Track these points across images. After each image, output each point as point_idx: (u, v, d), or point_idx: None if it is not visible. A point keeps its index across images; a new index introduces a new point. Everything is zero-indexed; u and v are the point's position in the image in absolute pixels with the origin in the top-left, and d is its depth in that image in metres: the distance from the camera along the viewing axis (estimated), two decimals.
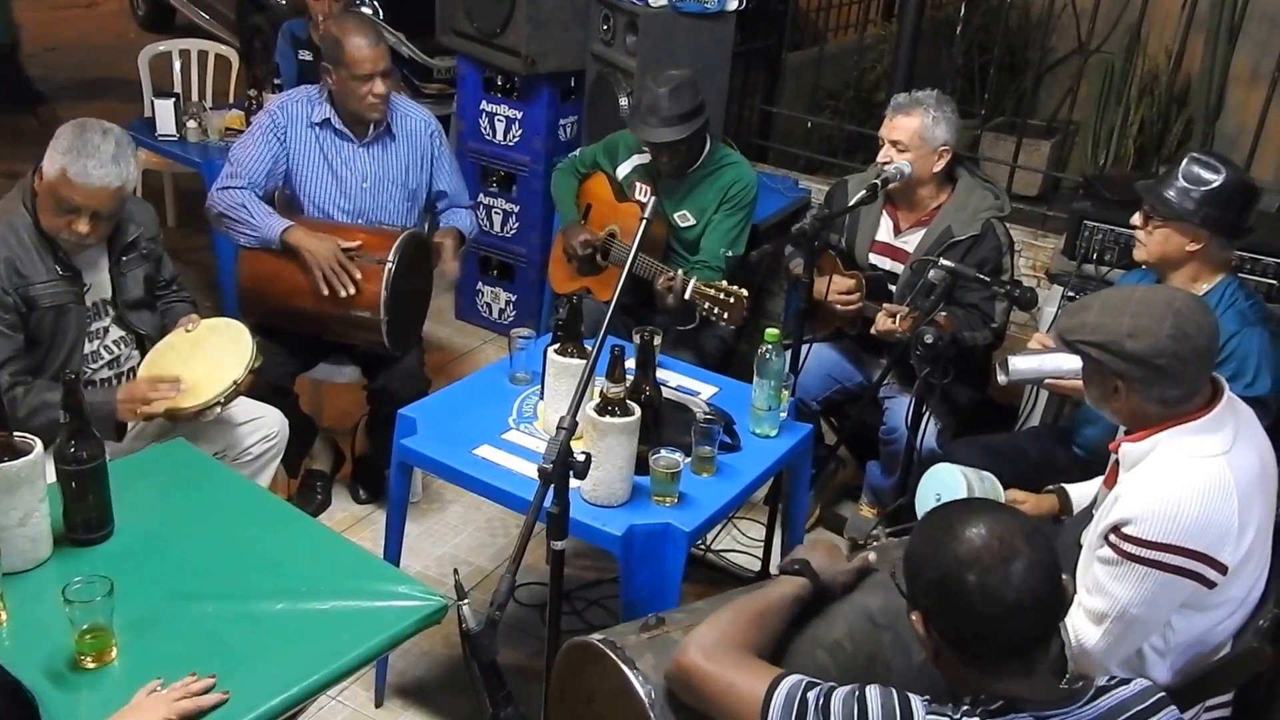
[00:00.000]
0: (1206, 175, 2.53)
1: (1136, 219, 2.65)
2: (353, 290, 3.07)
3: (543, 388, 2.63)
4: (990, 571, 1.46)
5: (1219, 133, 4.80)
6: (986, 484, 2.35)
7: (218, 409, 2.67)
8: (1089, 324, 1.96)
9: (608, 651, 1.73)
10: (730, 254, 3.41)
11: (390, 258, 3.10)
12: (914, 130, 3.12)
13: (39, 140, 2.57)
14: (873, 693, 1.52)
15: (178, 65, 5.12)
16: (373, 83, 3.20)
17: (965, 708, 1.48)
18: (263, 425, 2.89)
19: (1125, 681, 1.57)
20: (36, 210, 2.57)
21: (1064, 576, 1.53)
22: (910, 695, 1.51)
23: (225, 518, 2.25)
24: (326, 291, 3.07)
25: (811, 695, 1.53)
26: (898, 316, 3.01)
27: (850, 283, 3.24)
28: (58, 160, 2.49)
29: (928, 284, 2.95)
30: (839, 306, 3.24)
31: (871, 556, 1.88)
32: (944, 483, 2.36)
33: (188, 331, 2.77)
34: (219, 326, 2.81)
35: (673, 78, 3.33)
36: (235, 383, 2.66)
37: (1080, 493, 2.43)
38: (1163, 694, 1.55)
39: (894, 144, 3.15)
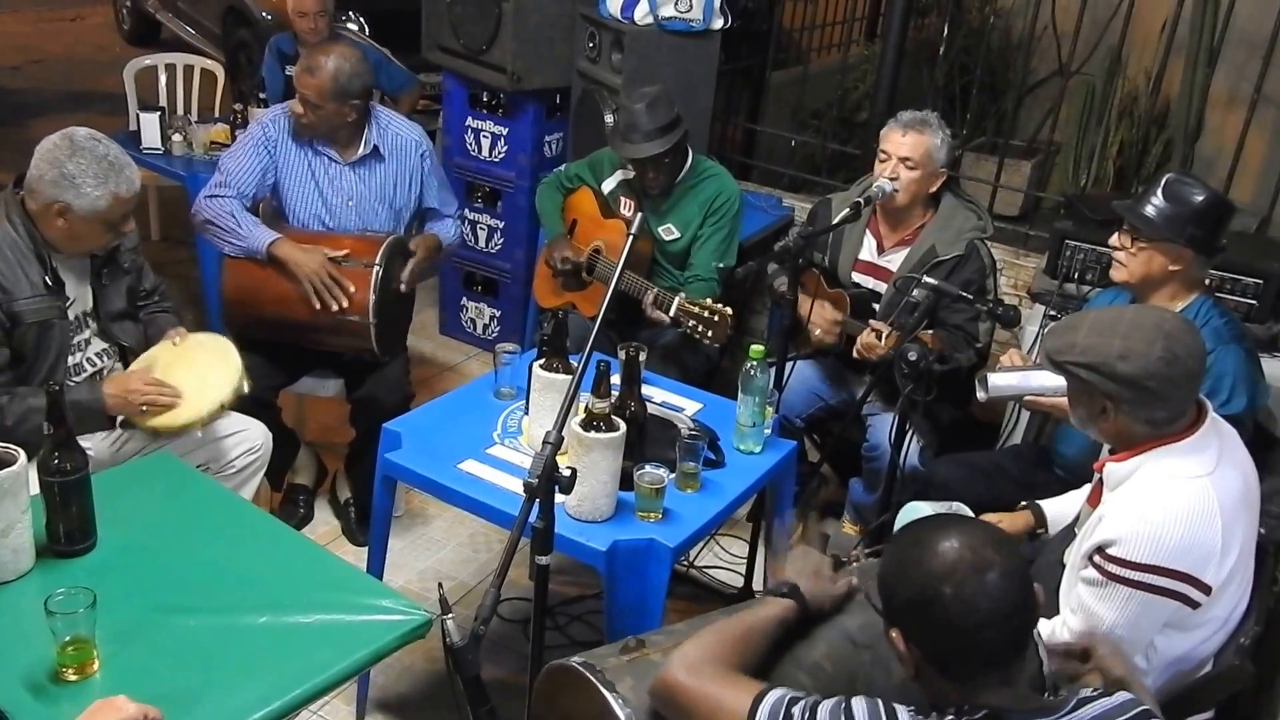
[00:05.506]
0: (1190, 195, 2.54)
1: (1116, 239, 2.65)
2: (345, 303, 3.07)
3: (528, 403, 2.63)
4: (965, 583, 1.46)
5: (1198, 154, 4.85)
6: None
7: (198, 433, 2.66)
8: (1078, 345, 1.96)
9: (587, 674, 1.72)
10: (722, 266, 3.42)
11: (377, 262, 3.10)
12: (926, 149, 3.12)
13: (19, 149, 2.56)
14: (858, 703, 1.52)
15: (163, 79, 5.12)
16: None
17: (950, 716, 1.48)
18: (247, 438, 2.88)
19: (1108, 693, 1.58)
20: (34, 224, 2.55)
21: (1035, 584, 1.54)
22: (896, 705, 1.51)
23: (208, 530, 2.25)
24: (318, 305, 3.07)
25: (797, 709, 1.53)
26: (882, 334, 3.02)
27: (838, 315, 3.24)
28: (99, 190, 2.49)
29: (911, 302, 2.96)
30: (818, 331, 3.25)
31: (855, 580, 1.88)
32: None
33: (174, 345, 2.76)
34: (206, 342, 2.80)
35: (646, 93, 3.34)
36: (222, 405, 2.66)
37: (1055, 509, 2.44)
38: (1145, 708, 1.56)
39: (903, 160, 3.12)
